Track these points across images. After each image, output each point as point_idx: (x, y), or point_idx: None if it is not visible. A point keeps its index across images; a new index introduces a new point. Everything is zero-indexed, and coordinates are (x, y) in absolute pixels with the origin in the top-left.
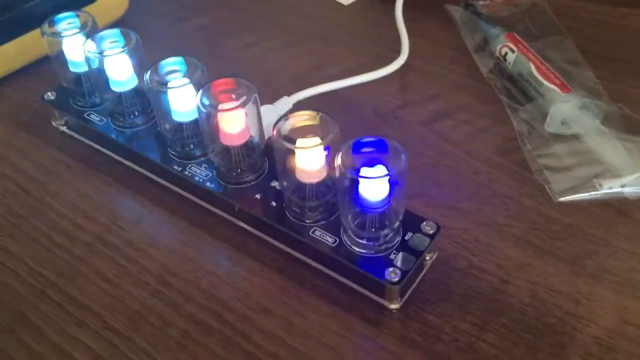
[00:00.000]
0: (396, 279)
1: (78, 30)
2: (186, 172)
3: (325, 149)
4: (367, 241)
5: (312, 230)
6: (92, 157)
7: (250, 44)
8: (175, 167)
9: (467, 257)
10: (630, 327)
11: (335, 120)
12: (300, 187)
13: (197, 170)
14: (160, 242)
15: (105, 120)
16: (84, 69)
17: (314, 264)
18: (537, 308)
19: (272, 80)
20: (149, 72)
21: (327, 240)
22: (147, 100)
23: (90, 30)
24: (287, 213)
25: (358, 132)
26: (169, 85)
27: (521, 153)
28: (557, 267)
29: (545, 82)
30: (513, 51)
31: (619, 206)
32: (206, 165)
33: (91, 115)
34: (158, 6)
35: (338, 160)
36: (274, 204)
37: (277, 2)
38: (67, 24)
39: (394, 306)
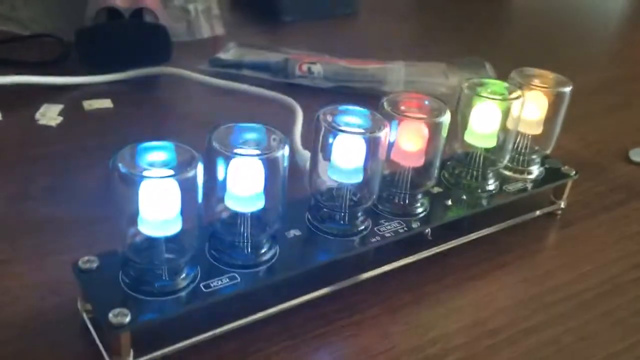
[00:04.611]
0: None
1: (172, 171)
2: (385, 234)
3: None
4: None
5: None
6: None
7: None
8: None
9: None
10: None
11: None
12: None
13: (388, 226)
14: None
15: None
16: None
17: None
18: None
19: None
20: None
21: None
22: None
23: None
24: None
25: None
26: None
27: None
28: None
29: (367, 66)
30: (314, 63)
31: None
32: (384, 221)
33: (214, 282)
34: None
35: None
36: (464, 197)
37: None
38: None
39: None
